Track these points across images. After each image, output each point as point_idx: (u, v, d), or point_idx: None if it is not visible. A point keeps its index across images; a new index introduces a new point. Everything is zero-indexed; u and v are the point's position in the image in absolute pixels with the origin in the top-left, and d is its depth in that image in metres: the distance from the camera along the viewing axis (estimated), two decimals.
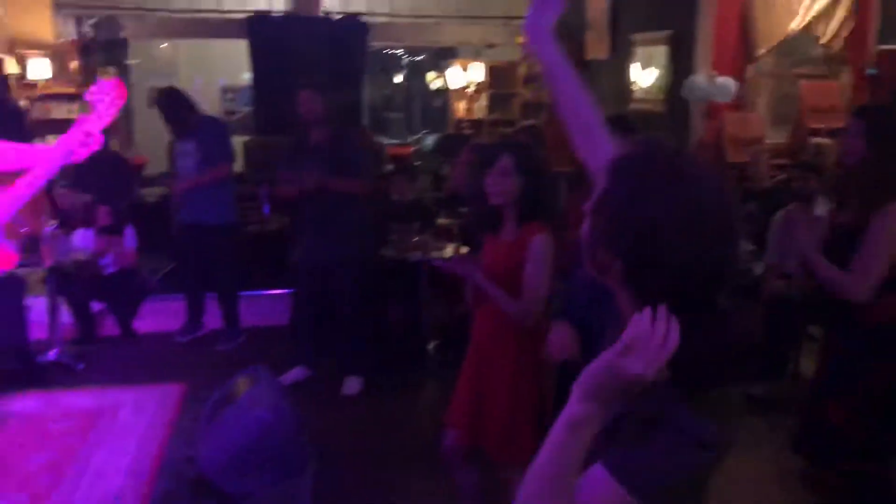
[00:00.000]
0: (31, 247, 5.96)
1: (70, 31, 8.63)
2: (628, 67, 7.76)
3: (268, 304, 5.99)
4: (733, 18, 6.43)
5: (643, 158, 1.11)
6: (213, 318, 5.35)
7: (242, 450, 2.78)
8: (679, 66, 6.83)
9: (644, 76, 7.51)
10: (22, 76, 8.26)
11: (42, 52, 8.36)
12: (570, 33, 9.02)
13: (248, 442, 2.79)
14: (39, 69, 8.28)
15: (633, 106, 7.71)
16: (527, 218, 2.61)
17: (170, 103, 4.99)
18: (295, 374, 4.49)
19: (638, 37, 7.60)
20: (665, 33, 7.03)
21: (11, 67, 8.10)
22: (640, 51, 7.61)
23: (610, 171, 1.12)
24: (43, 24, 8.54)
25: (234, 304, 5.24)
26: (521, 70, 9.78)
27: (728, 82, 6.26)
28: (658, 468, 1.05)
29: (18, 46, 8.33)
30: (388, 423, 4.04)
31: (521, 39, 9.83)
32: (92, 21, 8.81)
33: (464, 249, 5.29)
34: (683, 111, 6.73)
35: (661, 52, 7.14)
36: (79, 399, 3.91)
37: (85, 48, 8.84)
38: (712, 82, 6.29)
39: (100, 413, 3.74)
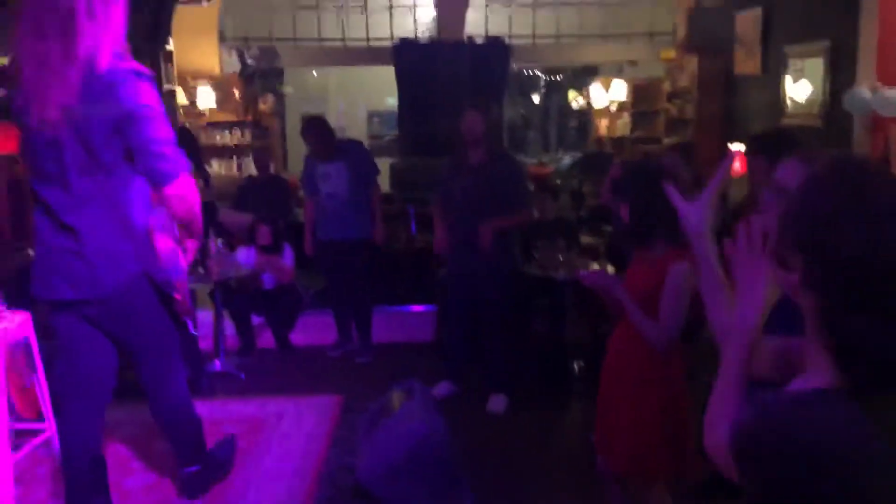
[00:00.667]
0: (199, 262, 6.46)
1: (234, 62, 9.26)
2: (781, 82, 7.45)
3: (413, 320, 6.16)
4: None
5: (833, 177, 1.12)
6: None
7: (399, 461, 2.89)
8: (838, 79, 6.49)
9: (798, 90, 7.18)
10: (191, 105, 8.95)
11: (208, 82, 9.02)
12: (718, 49, 8.79)
13: (404, 454, 2.89)
14: (206, 98, 8.94)
15: (786, 121, 7.38)
16: (644, 242, 2.60)
17: (316, 130, 5.28)
18: (441, 388, 4.59)
19: (791, 49, 7.29)
20: (822, 44, 6.70)
21: (181, 98, 8.78)
22: (793, 64, 7.29)
23: (803, 190, 1.13)
24: (210, 57, 9.23)
25: (368, 318, 5.44)
26: (665, 87, 9.59)
27: (895, 94, 5.88)
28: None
29: (188, 78, 9.03)
30: (534, 441, 4.05)
31: (665, 55, 9.67)
32: (253, 52, 9.42)
33: (610, 269, 5.25)
34: (843, 125, 6.38)
35: (817, 64, 6.81)
36: (245, 407, 4.18)
37: (247, 78, 9.46)
38: (878, 94, 5.93)
39: (265, 420, 3.97)
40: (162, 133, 2.52)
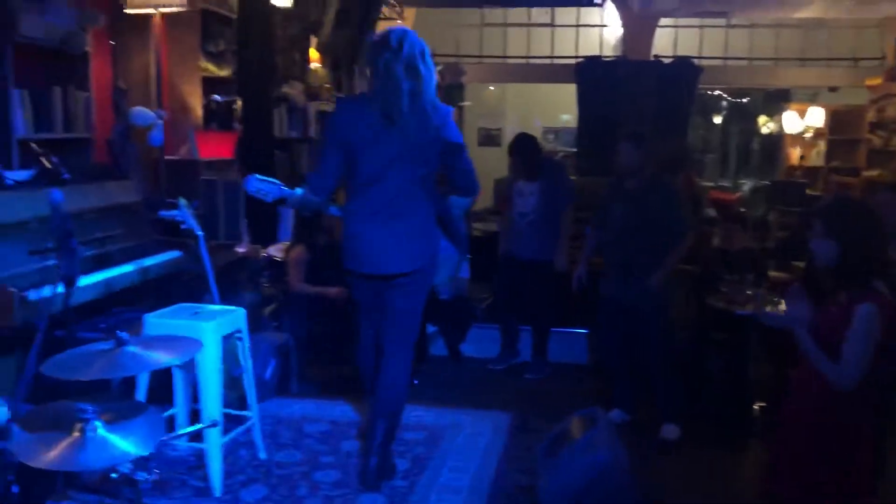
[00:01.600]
0: None
1: None
2: None
3: (578, 341, 6.10)
4: None
5: None
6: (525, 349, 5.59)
7: (581, 490, 2.88)
8: None
9: None
10: None
11: None
12: None
13: (588, 483, 2.88)
14: None
15: None
16: (851, 284, 2.47)
17: (525, 149, 5.34)
18: (612, 416, 4.51)
19: None
20: None
21: None
22: None
23: None
24: None
25: (546, 337, 5.43)
26: (869, 115, 8.95)
27: None
28: None
29: None
30: (707, 477, 3.92)
31: (870, 81, 9.03)
32: (439, 67, 9.71)
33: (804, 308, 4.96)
34: None
35: None
36: (424, 414, 4.30)
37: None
38: None
39: (442, 431, 4.07)
40: None
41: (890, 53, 9.29)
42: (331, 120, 3.60)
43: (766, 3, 7.57)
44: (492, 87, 12.98)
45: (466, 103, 12.84)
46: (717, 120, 14.00)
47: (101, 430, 1.90)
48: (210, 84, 5.40)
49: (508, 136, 11.98)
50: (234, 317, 3.37)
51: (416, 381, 5.10)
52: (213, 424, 2.87)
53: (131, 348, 2.21)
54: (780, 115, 10.32)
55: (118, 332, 2.21)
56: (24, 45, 3.74)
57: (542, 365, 5.43)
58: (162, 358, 2.24)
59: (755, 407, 4.87)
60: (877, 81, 8.89)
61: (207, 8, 5.27)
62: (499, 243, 5.65)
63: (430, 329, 5.91)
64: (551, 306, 5.45)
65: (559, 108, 11.38)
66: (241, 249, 4.93)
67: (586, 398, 4.61)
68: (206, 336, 3.08)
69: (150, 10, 4.38)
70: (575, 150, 10.46)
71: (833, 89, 10.05)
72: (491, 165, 10.65)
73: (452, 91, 11.46)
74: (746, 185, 11.10)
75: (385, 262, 3.35)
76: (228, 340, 3.36)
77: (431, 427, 4.13)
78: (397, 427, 3.54)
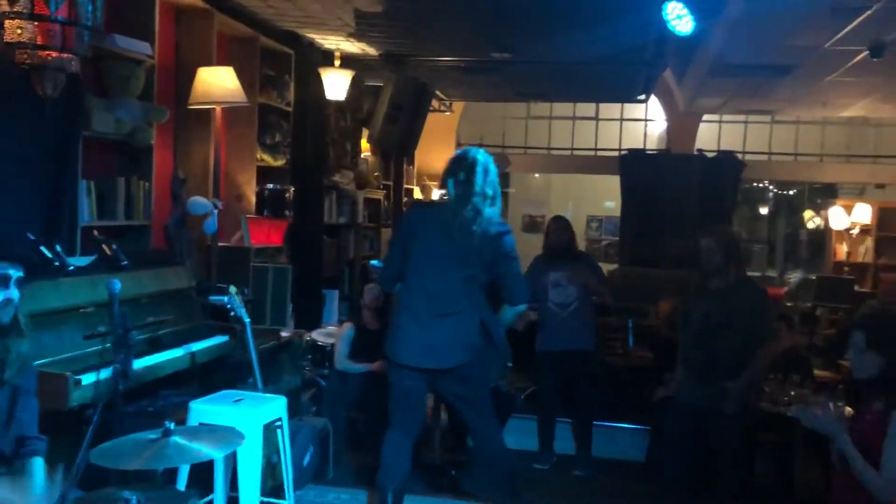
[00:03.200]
0: None
1: None
2: None
3: (625, 437, 6.01)
4: None
5: None
6: (561, 442, 5.51)
7: None
8: None
9: None
10: None
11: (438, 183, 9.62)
12: None
13: None
14: (438, 197, 9.53)
15: None
16: (893, 394, 2.45)
17: (566, 228, 5.40)
18: None
19: None
20: None
21: (417, 193, 9.45)
22: None
23: None
24: (446, 159, 9.85)
25: (590, 430, 5.37)
26: None
27: None
28: None
29: (424, 177, 9.70)
30: None
31: None
32: None
33: (848, 410, 4.85)
34: None
35: None
36: None
37: None
38: None
39: None
40: None
41: None
42: (403, 217, 4.05)
43: (811, 103, 7.67)
44: (537, 175, 13.21)
45: (511, 190, 13.07)
46: (764, 210, 13.97)
47: None
48: (264, 173, 5.63)
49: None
50: (276, 405, 3.44)
51: (453, 472, 5.07)
52: None
53: (176, 439, 2.29)
54: (827, 209, 10.26)
55: (166, 422, 2.30)
56: (94, 139, 3.98)
57: (589, 460, 5.34)
58: (205, 450, 2.31)
59: None
60: None
61: (265, 103, 5.56)
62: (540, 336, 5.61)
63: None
64: (593, 398, 5.41)
65: (602, 195, 11.52)
66: (285, 333, 5.04)
67: (634, 496, 4.52)
68: (248, 424, 3.15)
69: (212, 106, 4.63)
70: (617, 238, 10.55)
71: (880, 186, 10.01)
72: (534, 251, 10.73)
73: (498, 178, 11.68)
74: (794, 277, 10.97)
75: (420, 356, 3.68)
76: (269, 428, 3.43)
77: None
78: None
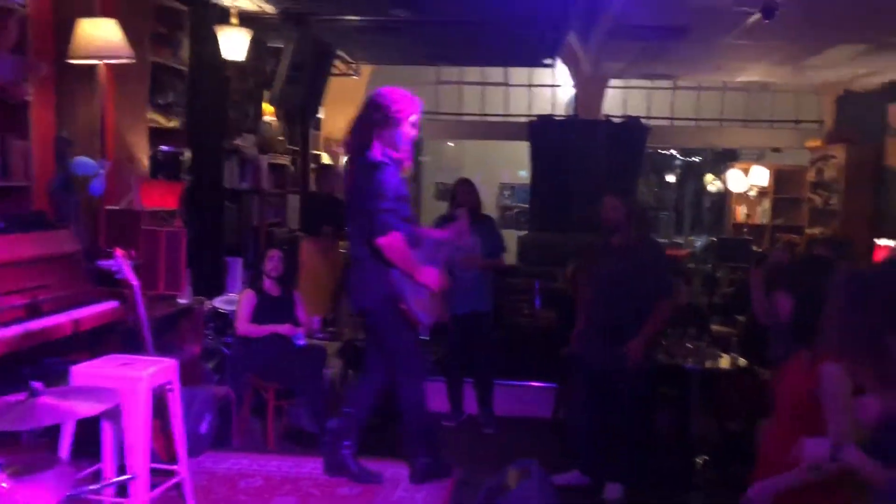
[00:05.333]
0: (332, 322, 6.70)
1: None
2: None
3: (531, 395, 6.09)
4: None
5: None
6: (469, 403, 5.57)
7: None
8: None
9: None
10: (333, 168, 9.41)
11: None
12: (868, 139, 8.43)
13: None
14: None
15: None
16: (806, 340, 2.51)
17: (471, 190, 5.42)
18: (570, 478, 4.45)
19: None
20: None
21: (325, 160, 9.28)
22: None
23: None
24: None
25: (491, 388, 5.46)
26: (810, 175, 9.25)
27: None
28: None
29: (331, 144, 9.52)
30: None
31: (810, 143, 9.37)
32: None
33: (742, 361, 5.04)
34: None
35: None
36: (365, 467, 4.23)
37: None
38: None
39: (381, 486, 4.02)
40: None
41: (827, 117, 9.67)
42: None
43: (709, 67, 7.86)
44: (451, 144, 13.17)
45: (425, 158, 13.00)
46: (671, 178, 14.33)
47: (3, 484, 1.85)
48: (158, 135, 5.40)
49: None
50: (165, 368, 3.32)
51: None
52: (132, 478, 2.80)
53: (46, 399, 2.16)
54: (726, 173, 10.61)
55: (31, 382, 2.17)
56: None
57: (491, 418, 5.41)
58: (78, 409, 2.20)
59: (698, 461, 4.90)
60: (816, 143, 9.22)
61: (157, 61, 5.30)
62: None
63: None
64: (492, 358, 5.49)
65: (517, 164, 11.58)
66: (183, 301, 4.87)
67: (540, 453, 4.57)
68: (134, 387, 3.02)
69: (95, 61, 4.39)
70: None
71: (776, 150, 10.39)
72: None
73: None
74: (699, 241, 11.31)
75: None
76: (159, 393, 3.30)
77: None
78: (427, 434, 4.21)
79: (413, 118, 3.86)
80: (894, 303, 1.19)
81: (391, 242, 3.74)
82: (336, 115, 9.50)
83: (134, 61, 4.56)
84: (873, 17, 5.56)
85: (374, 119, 3.80)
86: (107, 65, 4.59)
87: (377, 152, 3.77)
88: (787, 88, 9.84)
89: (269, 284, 5.12)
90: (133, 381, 3.07)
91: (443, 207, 11.71)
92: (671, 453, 4.96)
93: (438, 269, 3.97)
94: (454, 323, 5.42)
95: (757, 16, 5.35)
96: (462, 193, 5.44)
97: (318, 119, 9.10)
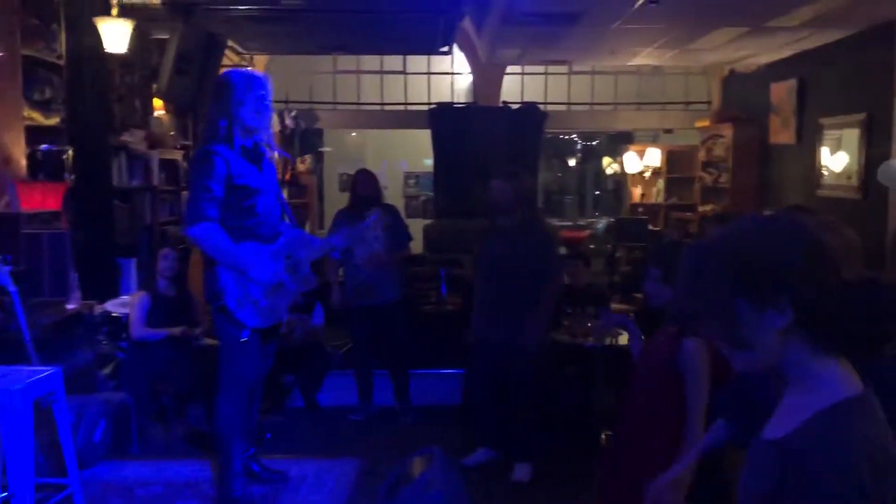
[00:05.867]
0: None
1: (273, 123, 9.50)
2: (816, 152, 7.43)
3: (442, 383, 6.12)
4: None
5: None
6: (382, 394, 5.54)
7: None
8: (874, 151, 6.46)
9: (834, 161, 7.15)
10: None
11: None
12: (753, 118, 8.80)
13: None
14: None
15: (822, 192, 7.33)
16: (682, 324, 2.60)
17: (371, 180, 5.36)
18: (478, 456, 4.51)
19: (827, 120, 7.28)
20: (858, 116, 6.70)
21: None
22: (829, 134, 7.28)
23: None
24: None
25: (407, 378, 5.42)
26: (700, 154, 9.60)
27: None
28: None
29: None
30: None
31: (699, 123, 9.72)
32: (293, 114, 9.67)
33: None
34: (880, 198, 6.33)
35: (853, 135, 6.79)
36: (269, 466, 4.16)
37: (286, 138, 9.70)
38: None
39: (285, 483, 3.96)
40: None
41: (715, 98, 10.06)
42: None
43: (600, 52, 8.02)
44: (353, 133, 13.04)
45: (326, 149, 12.84)
46: (572, 162, 14.64)
47: None
48: (36, 133, 5.12)
49: None
50: (47, 378, 3.16)
51: (268, 435, 4.96)
52: (11, 496, 2.65)
53: None
54: (622, 156, 10.90)
55: None
56: None
57: (409, 408, 5.40)
58: None
59: (602, 436, 5.03)
60: (705, 124, 9.57)
61: (31, 55, 5.03)
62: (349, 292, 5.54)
63: (286, 379, 5.77)
64: (407, 348, 5.45)
65: (421, 153, 11.57)
66: (71, 306, 4.66)
67: (452, 439, 4.61)
68: (12, 400, 2.86)
69: None
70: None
71: (668, 131, 10.74)
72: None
73: (311, 137, 11.43)
74: (601, 223, 11.60)
75: None
76: (42, 404, 3.14)
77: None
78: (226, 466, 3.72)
79: (258, 96, 3.55)
80: (733, 266, 1.21)
81: (199, 234, 3.46)
82: None
83: (2, 55, 4.30)
84: (747, 4, 5.79)
85: (218, 104, 3.55)
86: None
87: (218, 138, 3.52)
88: (676, 71, 10.17)
89: (163, 285, 4.96)
90: (10, 393, 2.91)
91: (346, 198, 11.63)
92: (577, 430, 5.07)
93: (290, 264, 3.73)
94: (358, 314, 5.38)
95: (643, 1, 5.48)
96: (361, 184, 5.38)
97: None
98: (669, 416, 2.55)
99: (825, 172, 7.32)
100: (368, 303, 5.28)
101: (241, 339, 3.56)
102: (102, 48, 5.62)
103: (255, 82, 3.56)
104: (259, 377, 3.90)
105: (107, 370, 5.15)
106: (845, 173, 6.97)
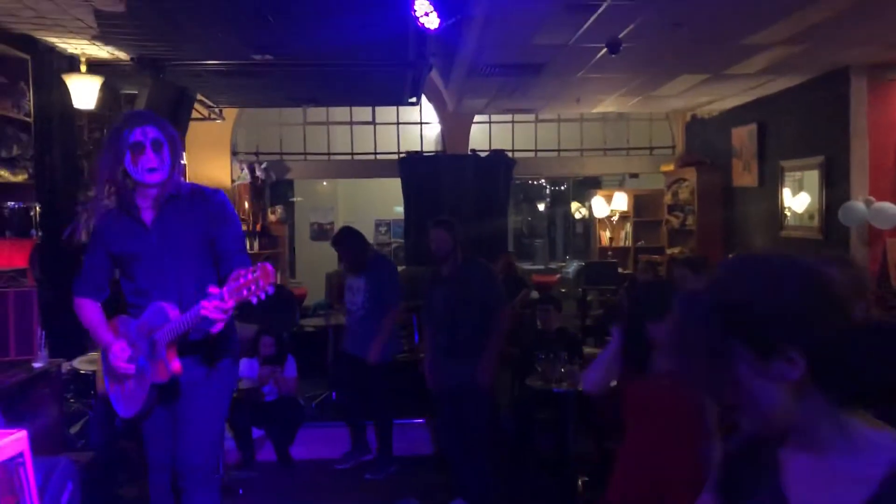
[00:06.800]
0: None
1: (244, 175, 9.53)
2: (778, 194, 7.61)
3: (418, 433, 6.08)
4: (889, 144, 6.25)
5: None
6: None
7: None
8: (833, 192, 6.65)
9: (796, 202, 7.33)
10: None
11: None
12: (716, 162, 9.01)
13: None
14: None
15: (785, 233, 7.50)
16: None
17: (348, 242, 5.36)
18: None
19: (787, 163, 7.48)
20: (817, 159, 6.89)
21: None
22: (790, 176, 7.47)
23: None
24: (221, 169, 9.52)
25: (389, 433, 5.38)
26: (666, 198, 9.78)
27: (888, 207, 6.01)
28: None
29: None
30: None
31: (664, 168, 9.92)
32: (263, 165, 9.71)
33: (614, 382, 5.21)
34: (841, 237, 6.48)
35: (813, 177, 6.98)
36: None
37: (257, 189, 9.72)
38: (872, 207, 6.06)
39: None
40: None
41: (678, 142, 10.29)
42: None
43: (565, 100, 8.20)
44: (324, 183, 13.10)
45: (297, 199, 12.87)
46: (542, 207, 14.80)
47: None
48: (3, 190, 5.09)
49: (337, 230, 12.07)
50: (14, 441, 3.09)
51: (240, 491, 4.88)
52: None
53: None
54: (590, 200, 11.05)
55: None
56: None
57: (386, 462, 5.33)
58: None
59: (579, 482, 5.01)
60: (669, 168, 9.78)
61: None
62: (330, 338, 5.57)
63: (256, 434, 5.69)
64: (388, 401, 5.39)
65: (391, 201, 11.64)
66: (38, 364, 4.58)
67: (428, 489, 4.58)
68: None
69: None
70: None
71: (634, 176, 10.95)
72: (323, 260, 10.68)
73: (281, 186, 11.46)
74: (570, 266, 11.71)
75: None
76: (7, 467, 3.07)
77: None
78: None
79: (133, 137, 2.75)
80: (731, 316, 1.05)
81: (75, 307, 2.99)
82: (203, 160, 9.29)
83: None
84: (706, 52, 5.98)
85: (102, 154, 2.90)
86: None
87: (98, 195, 2.90)
88: (641, 117, 10.40)
89: None
90: None
91: (317, 248, 11.62)
92: (553, 476, 5.06)
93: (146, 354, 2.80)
94: (341, 359, 5.40)
95: (603, 51, 5.64)
96: (341, 247, 5.41)
97: (183, 165, 8.84)
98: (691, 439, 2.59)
99: (788, 214, 7.49)
100: (351, 351, 5.29)
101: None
102: (71, 104, 5.63)
103: (133, 118, 2.91)
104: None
105: (75, 429, 5.06)
106: (807, 213, 7.14)
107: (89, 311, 2.97)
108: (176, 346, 2.74)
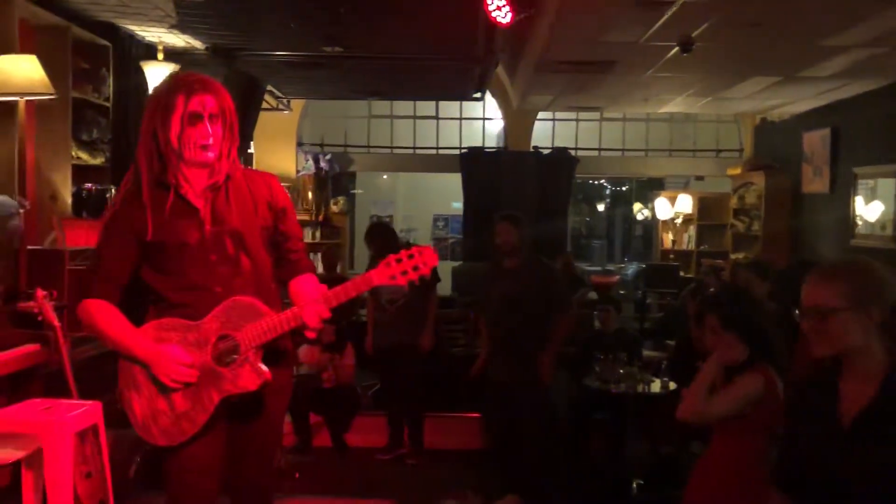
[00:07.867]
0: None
1: (309, 165, 9.68)
2: (850, 201, 7.39)
3: (468, 426, 6.10)
4: None
5: None
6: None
7: None
8: None
9: (869, 211, 7.11)
10: None
11: (285, 183, 9.42)
12: (785, 166, 8.80)
13: None
14: None
15: (856, 242, 7.28)
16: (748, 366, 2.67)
17: (379, 236, 5.43)
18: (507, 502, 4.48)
19: (861, 170, 7.26)
20: (893, 167, 6.67)
21: None
22: (863, 184, 7.25)
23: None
24: (286, 160, 9.70)
25: (420, 423, 5.42)
26: (732, 202, 9.59)
27: None
28: None
29: None
30: None
31: (731, 171, 9.73)
32: (327, 157, 9.84)
33: (672, 385, 5.15)
34: None
35: (889, 185, 6.76)
36: None
37: (320, 180, 9.86)
38: None
39: None
40: None
41: (746, 145, 10.08)
42: None
43: (634, 98, 8.11)
44: (385, 176, 13.22)
45: (358, 191, 13.01)
46: (601, 207, 14.67)
47: None
48: (82, 172, 5.28)
49: (400, 223, 12.21)
50: (89, 411, 3.22)
51: (296, 475, 4.97)
52: None
53: None
54: (653, 202, 10.91)
55: None
56: None
57: (419, 451, 5.38)
58: None
59: (633, 485, 4.97)
60: (736, 171, 9.58)
61: (80, 97, 5.21)
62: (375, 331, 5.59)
63: (314, 419, 5.78)
64: (423, 391, 5.42)
65: (450, 195, 11.69)
66: None
67: (481, 484, 4.59)
68: (56, 432, 2.92)
69: (13, 98, 4.28)
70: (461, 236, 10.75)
71: (700, 178, 10.76)
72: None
73: (343, 179, 11.61)
74: (630, 269, 11.58)
75: None
76: (83, 437, 3.20)
77: None
78: None
79: (187, 104, 2.26)
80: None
81: (80, 310, 2.48)
82: (269, 150, 9.47)
83: (55, 97, 4.47)
84: (781, 54, 5.84)
85: (146, 123, 2.37)
86: (27, 101, 4.48)
87: (141, 171, 2.36)
88: (708, 118, 10.22)
89: None
90: (55, 425, 2.97)
91: None
92: (607, 478, 5.02)
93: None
94: (378, 354, 5.45)
95: (675, 50, 5.56)
96: (373, 240, 5.46)
97: (250, 154, 9.03)
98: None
99: (859, 222, 7.28)
100: (391, 342, 5.33)
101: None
102: (146, 91, 5.80)
103: (187, 84, 2.37)
104: None
105: None
106: (879, 223, 6.92)
107: (109, 315, 2.44)
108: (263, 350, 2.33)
